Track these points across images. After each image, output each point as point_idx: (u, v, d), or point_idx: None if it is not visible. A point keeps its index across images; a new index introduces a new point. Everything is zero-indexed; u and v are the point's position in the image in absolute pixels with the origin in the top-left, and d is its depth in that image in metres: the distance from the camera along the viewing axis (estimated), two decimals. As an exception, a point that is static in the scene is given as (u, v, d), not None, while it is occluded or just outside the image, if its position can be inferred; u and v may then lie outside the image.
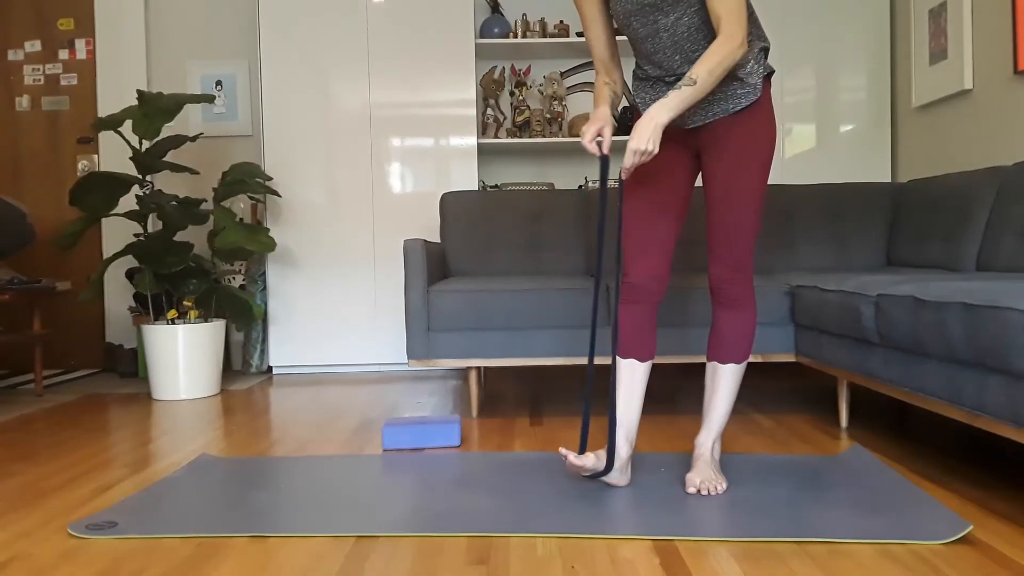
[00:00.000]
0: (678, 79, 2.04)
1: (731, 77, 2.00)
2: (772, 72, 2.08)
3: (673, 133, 2.12)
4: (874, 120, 4.28)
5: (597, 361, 3.04)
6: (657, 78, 2.08)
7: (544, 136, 4.40)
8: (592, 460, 1.99)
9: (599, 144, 2.02)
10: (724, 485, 2.04)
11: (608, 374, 2.11)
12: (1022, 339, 1.66)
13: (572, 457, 1.96)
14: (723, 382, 2.13)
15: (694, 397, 3.43)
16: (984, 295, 1.80)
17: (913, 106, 4.00)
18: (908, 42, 4.10)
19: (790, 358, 3.00)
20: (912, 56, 3.98)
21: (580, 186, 4.59)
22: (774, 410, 3.12)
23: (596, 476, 2.04)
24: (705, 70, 1.87)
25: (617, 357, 2.13)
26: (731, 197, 2.05)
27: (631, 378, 2.10)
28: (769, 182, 4.31)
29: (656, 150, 1.90)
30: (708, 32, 1.98)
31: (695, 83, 1.87)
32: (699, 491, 2.02)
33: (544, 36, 4.38)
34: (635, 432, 2.12)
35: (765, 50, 2.05)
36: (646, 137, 1.88)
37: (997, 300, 1.75)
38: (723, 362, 2.13)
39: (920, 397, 2.15)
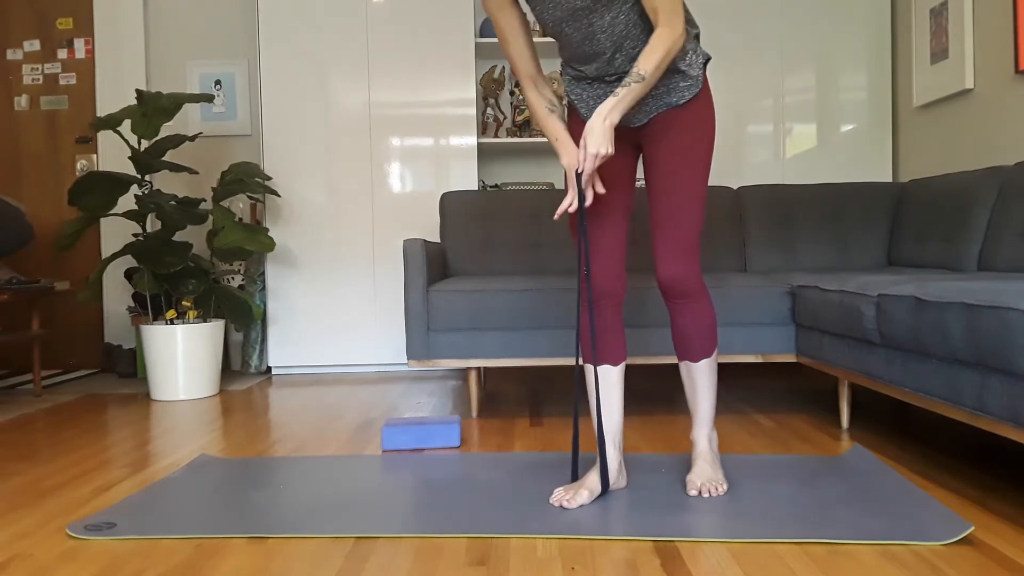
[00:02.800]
0: (620, 77, 1.99)
1: (672, 70, 1.96)
2: (708, 59, 2.06)
3: (616, 131, 2.08)
4: (875, 120, 4.27)
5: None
6: (596, 77, 2.02)
7: (544, 136, 4.40)
8: (586, 495, 1.96)
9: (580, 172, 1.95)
10: (725, 485, 2.03)
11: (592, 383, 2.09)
12: (1023, 339, 1.66)
13: (566, 503, 1.94)
14: (701, 378, 2.10)
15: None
16: (985, 295, 1.80)
17: (914, 106, 3.99)
18: (909, 41, 4.10)
19: (791, 358, 3.00)
20: (913, 56, 3.97)
21: (580, 186, 4.58)
22: (775, 410, 3.11)
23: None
24: (652, 64, 1.84)
25: (587, 366, 2.09)
26: (677, 188, 2.00)
27: (607, 384, 2.07)
28: (769, 182, 4.31)
29: (612, 151, 1.86)
30: (647, 25, 1.93)
31: (644, 79, 1.84)
32: (700, 492, 2.01)
33: (544, 36, 4.37)
34: (620, 436, 2.09)
35: (697, 36, 2.03)
36: (603, 139, 1.85)
37: (998, 300, 1.74)
38: (695, 360, 2.10)
39: (921, 397, 2.14)
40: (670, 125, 2.01)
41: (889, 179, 4.27)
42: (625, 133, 2.09)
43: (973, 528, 1.72)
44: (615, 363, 2.09)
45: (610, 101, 1.85)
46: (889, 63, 4.26)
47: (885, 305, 2.23)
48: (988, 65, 3.39)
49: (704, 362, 2.10)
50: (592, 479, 2.00)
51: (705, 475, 2.05)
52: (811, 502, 1.93)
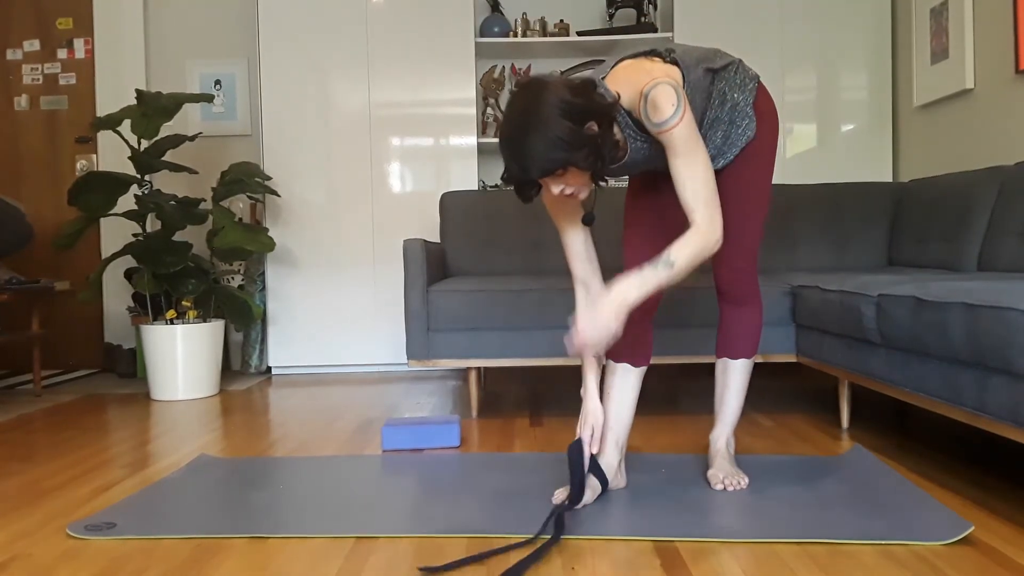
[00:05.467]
0: None
1: (732, 120, 2.00)
2: (757, 79, 2.05)
3: None
4: (875, 120, 4.27)
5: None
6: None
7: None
8: (589, 494, 1.96)
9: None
10: (746, 479, 2.07)
11: (603, 380, 2.09)
12: (1023, 339, 1.66)
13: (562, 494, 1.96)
14: (734, 378, 2.15)
15: (693, 397, 3.42)
16: (985, 295, 1.80)
17: (914, 105, 3.99)
18: (909, 41, 4.10)
19: (791, 358, 2.99)
20: (913, 55, 3.97)
21: (580, 186, 4.58)
22: (775, 410, 3.11)
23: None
24: (684, 256, 1.75)
25: (609, 361, 2.10)
26: (742, 203, 2.07)
27: (623, 383, 2.09)
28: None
29: (620, 332, 1.75)
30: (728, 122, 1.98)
31: (672, 266, 1.74)
32: (725, 487, 2.04)
33: (544, 35, 4.37)
34: (625, 437, 2.10)
35: (729, 67, 2.01)
36: (615, 320, 1.72)
37: (998, 300, 1.74)
38: (734, 358, 2.15)
39: (921, 397, 2.14)
40: (740, 154, 2.06)
41: (889, 179, 4.27)
42: None
43: (973, 528, 1.72)
44: (636, 364, 2.10)
45: (633, 280, 1.74)
46: (889, 63, 4.26)
47: (885, 305, 2.23)
48: (988, 65, 3.39)
49: (741, 362, 2.14)
50: (594, 478, 2.00)
51: (725, 469, 2.09)
52: (811, 502, 1.93)
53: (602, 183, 1.81)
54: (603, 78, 1.87)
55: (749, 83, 2.01)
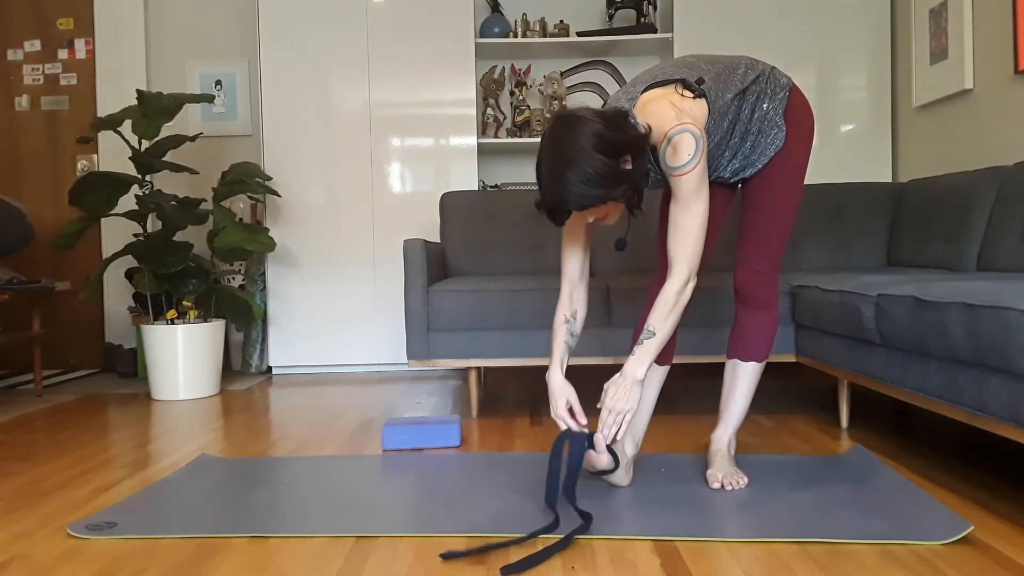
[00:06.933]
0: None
1: (761, 129, 2.02)
2: (789, 87, 2.07)
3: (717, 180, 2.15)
4: (875, 120, 4.27)
5: (595, 361, 3.03)
6: None
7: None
8: (607, 460, 1.99)
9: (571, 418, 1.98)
10: (745, 480, 2.07)
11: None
12: (1023, 339, 1.66)
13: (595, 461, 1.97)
14: (742, 380, 2.15)
15: (694, 397, 3.43)
16: (985, 295, 1.80)
17: (914, 106, 3.99)
18: (909, 42, 4.10)
19: (790, 358, 2.99)
20: (913, 56, 3.97)
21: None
22: (774, 410, 3.11)
23: (600, 474, 2.03)
24: (659, 319, 1.88)
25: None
26: (766, 209, 2.08)
27: (647, 380, 2.11)
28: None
29: (637, 405, 1.89)
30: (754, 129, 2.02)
31: (655, 334, 1.88)
32: (723, 486, 2.04)
33: (544, 36, 4.37)
34: (642, 434, 2.15)
35: (759, 79, 2.04)
36: (629, 397, 1.87)
37: (998, 300, 1.74)
38: (744, 360, 2.15)
39: (921, 397, 2.14)
40: (768, 163, 2.08)
41: (889, 179, 4.27)
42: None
43: (973, 528, 1.73)
44: (660, 363, 2.16)
45: (635, 360, 1.88)
46: (889, 63, 4.26)
47: (885, 305, 2.23)
48: (987, 65, 3.39)
49: (752, 364, 2.15)
50: (607, 455, 2.01)
51: (724, 469, 2.09)
52: (811, 502, 1.93)
53: (636, 211, 1.88)
54: (632, 105, 1.92)
55: (780, 92, 2.04)
